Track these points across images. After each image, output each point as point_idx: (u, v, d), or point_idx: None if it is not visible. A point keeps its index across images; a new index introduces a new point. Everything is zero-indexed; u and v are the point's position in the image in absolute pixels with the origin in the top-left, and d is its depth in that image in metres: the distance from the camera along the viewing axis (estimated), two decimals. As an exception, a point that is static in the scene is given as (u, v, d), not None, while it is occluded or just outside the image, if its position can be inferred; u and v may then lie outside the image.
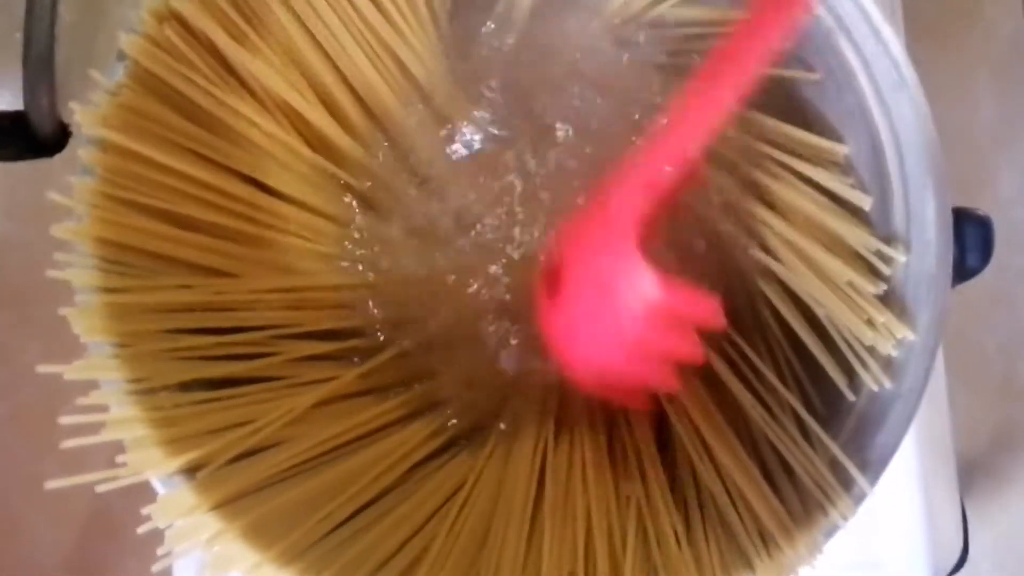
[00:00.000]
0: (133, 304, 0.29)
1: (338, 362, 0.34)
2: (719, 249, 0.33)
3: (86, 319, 0.28)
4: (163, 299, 0.30)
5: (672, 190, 0.27)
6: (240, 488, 0.28)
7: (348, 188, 0.35)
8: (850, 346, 0.29)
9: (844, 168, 0.30)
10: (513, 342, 0.35)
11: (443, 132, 0.35)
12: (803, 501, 0.28)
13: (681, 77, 0.34)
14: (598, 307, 0.29)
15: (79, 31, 0.40)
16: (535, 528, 0.30)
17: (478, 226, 0.35)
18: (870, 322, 0.28)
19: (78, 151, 0.30)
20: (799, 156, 0.31)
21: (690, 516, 0.30)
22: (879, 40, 0.28)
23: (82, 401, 0.28)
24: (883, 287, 0.28)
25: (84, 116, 0.29)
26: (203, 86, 0.31)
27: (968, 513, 0.43)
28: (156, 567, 0.27)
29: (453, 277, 0.35)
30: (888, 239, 0.29)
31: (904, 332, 0.27)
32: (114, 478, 0.27)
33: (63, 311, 0.28)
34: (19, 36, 0.37)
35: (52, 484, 0.26)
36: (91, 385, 0.28)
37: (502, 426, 0.34)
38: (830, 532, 0.27)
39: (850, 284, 0.28)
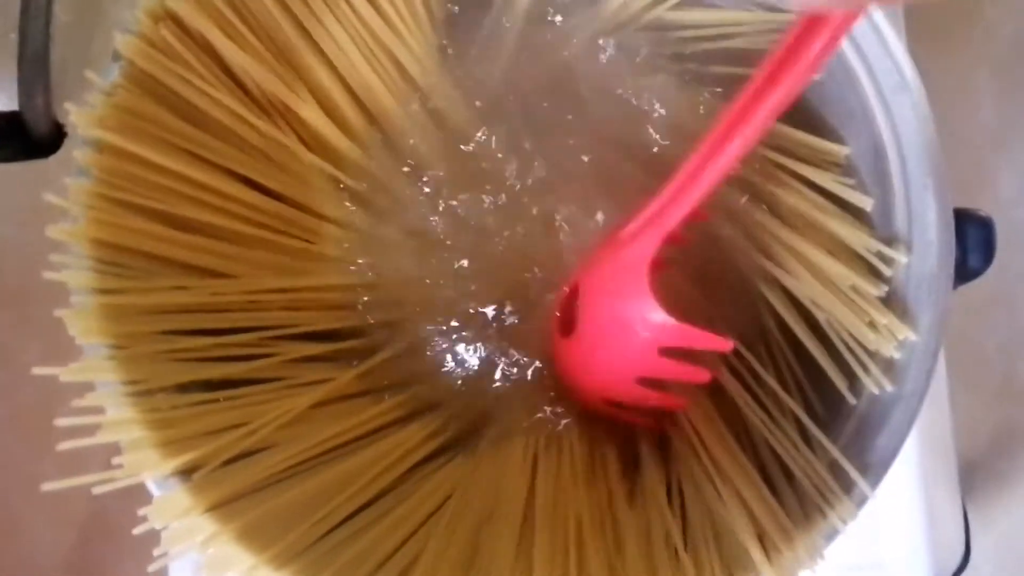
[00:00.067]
0: (129, 305, 0.29)
1: (335, 363, 0.34)
2: (719, 253, 0.33)
3: (82, 321, 0.28)
4: (159, 300, 0.30)
5: (685, 224, 0.27)
6: (236, 490, 0.28)
7: (345, 189, 0.35)
8: (851, 349, 0.28)
9: (845, 169, 0.30)
10: (511, 343, 0.35)
11: (441, 133, 0.35)
12: (803, 504, 0.28)
13: (680, 78, 0.34)
14: (612, 344, 0.30)
15: (75, 31, 0.40)
16: (528, 531, 0.30)
17: (475, 225, 0.35)
18: (872, 324, 0.28)
19: (73, 152, 0.29)
20: (800, 158, 0.31)
21: (689, 519, 0.30)
22: (881, 42, 0.28)
23: (78, 403, 0.27)
24: (884, 289, 0.28)
25: (80, 117, 0.29)
26: (199, 86, 0.31)
27: (969, 515, 0.43)
28: (152, 567, 0.27)
29: (451, 278, 0.35)
30: (889, 240, 0.29)
31: (906, 333, 0.27)
32: (111, 480, 0.27)
33: (59, 313, 0.28)
34: (14, 36, 0.37)
35: (49, 486, 0.26)
36: (89, 387, 0.28)
37: (497, 428, 0.33)
38: (831, 536, 0.27)
39: (853, 287, 0.28)
